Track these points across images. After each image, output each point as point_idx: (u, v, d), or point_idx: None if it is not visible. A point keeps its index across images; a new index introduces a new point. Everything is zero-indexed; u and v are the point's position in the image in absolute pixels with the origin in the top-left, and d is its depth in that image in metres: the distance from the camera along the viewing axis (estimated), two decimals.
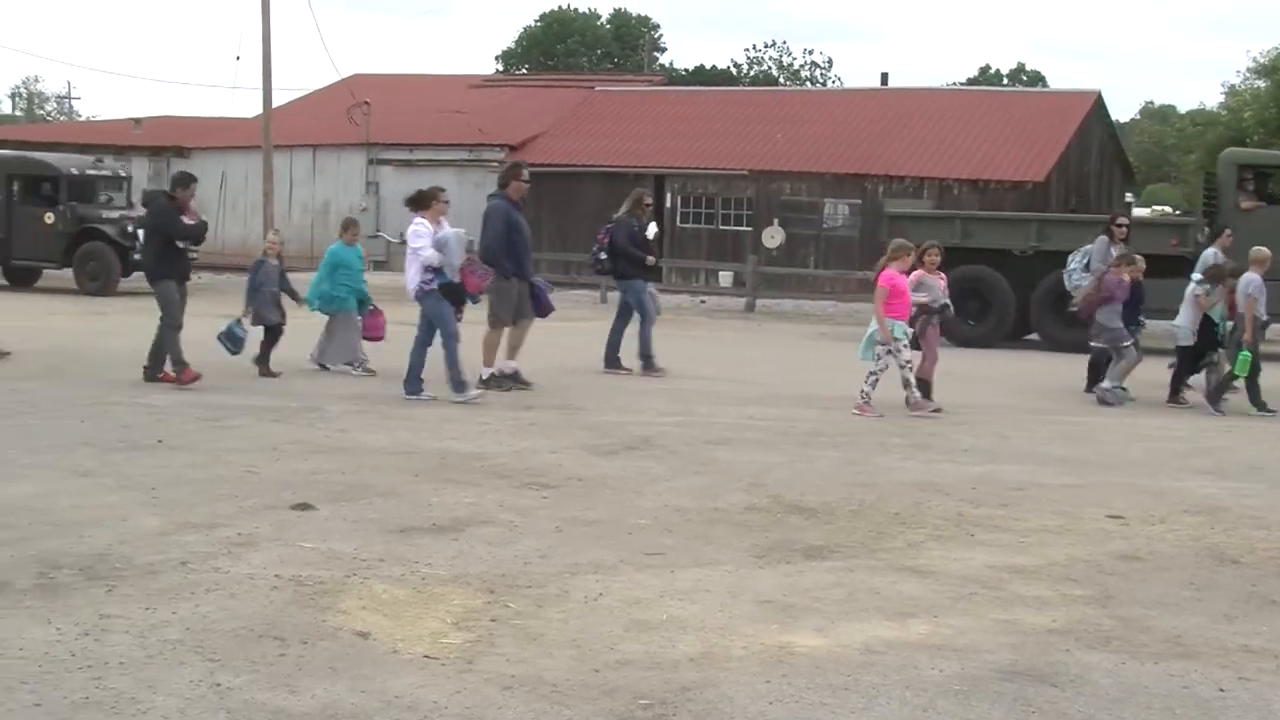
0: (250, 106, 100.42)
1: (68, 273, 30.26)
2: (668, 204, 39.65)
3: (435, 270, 14.10)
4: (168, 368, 14.77)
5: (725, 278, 36.90)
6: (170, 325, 14.74)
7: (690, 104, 45.50)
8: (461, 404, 13.92)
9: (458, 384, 14.19)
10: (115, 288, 29.40)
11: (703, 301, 34.43)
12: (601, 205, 39.10)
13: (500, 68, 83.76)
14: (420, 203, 14.38)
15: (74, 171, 30.87)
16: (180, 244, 15.06)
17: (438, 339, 14.29)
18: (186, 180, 15.21)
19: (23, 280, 31.39)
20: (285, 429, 12.08)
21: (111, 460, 10.27)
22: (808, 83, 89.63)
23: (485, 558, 7.71)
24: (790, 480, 10.42)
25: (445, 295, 14.20)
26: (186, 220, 15.18)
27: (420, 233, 14.15)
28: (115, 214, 30.19)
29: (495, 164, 41.05)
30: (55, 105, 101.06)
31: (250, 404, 13.47)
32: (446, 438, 11.90)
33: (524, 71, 77.61)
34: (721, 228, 39.97)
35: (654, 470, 10.71)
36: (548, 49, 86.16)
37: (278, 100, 41.81)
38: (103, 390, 14.06)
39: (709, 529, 8.68)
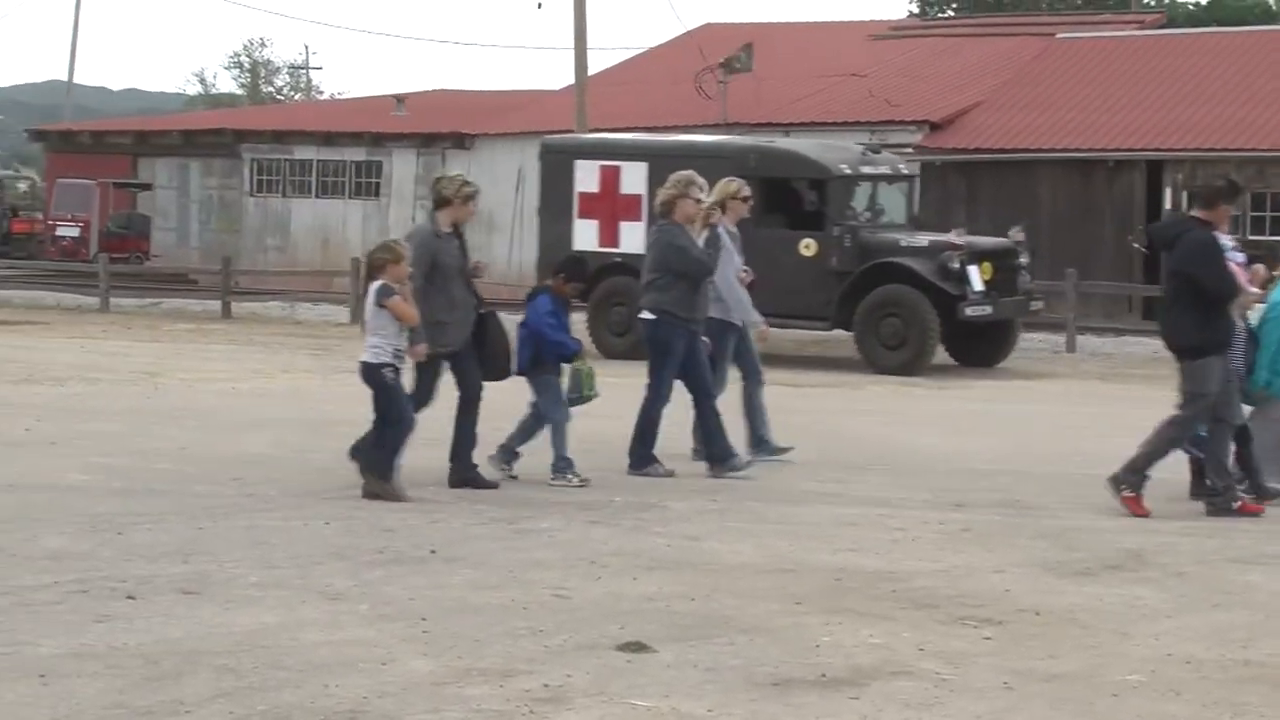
0: (557, 75, 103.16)
1: (836, 337, 28.40)
2: (1167, 203, 38.89)
3: None
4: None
5: None
6: (1186, 423, 13.74)
7: (1203, 53, 44.62)
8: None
9: None
10: (929, 362, 27.38)
11: None
12: (1069, 206, 38.81)
13: (915, 9, 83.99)
14: None
15: (846, 170, 28.38)
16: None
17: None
18: None
19: None
20: (608, 534, 12.33)
21: (368, 578, 10.64)
22: None
23: None
24: None
25: None
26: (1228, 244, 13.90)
27: None
28: (923, 241, 28.00)
29: (909, 149, 41.17)
30: (288, 79, 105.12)
31: (557, 499, 13.78)
32: (842, 549, 11.95)
33: (949, 14, 77.61)
34: (1261, 237, 38.92)
35: (1149, 600, 10.56)
36: None
37: (596, 64, 42.85)
38: (355, 482, 14.54)
39: (1237, 691, 8.49)
